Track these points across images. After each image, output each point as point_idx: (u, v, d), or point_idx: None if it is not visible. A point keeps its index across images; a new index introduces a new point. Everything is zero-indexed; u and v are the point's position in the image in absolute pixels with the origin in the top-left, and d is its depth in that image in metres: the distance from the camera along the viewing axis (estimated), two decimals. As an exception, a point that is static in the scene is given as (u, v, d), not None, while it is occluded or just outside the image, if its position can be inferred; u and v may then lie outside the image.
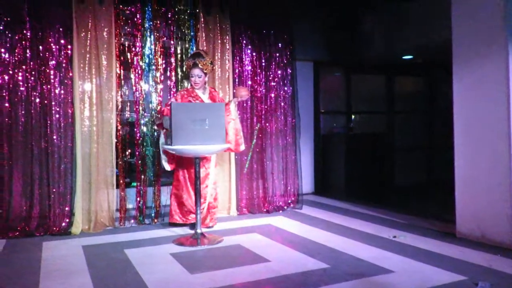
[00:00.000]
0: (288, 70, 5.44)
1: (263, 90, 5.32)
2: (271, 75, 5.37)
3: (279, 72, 5.40)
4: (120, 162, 4.55)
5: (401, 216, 4.92)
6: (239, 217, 5.02)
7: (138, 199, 4.63)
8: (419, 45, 5.95)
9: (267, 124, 5.37)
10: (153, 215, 4.70)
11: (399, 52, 6.58)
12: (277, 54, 5.39)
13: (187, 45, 4.93)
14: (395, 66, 7.44)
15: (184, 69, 4.83)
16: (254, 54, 5.27)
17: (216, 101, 4.44)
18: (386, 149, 7.24)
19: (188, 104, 4.15)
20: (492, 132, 3.69)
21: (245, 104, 5.18)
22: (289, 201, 5.46)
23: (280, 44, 5.40)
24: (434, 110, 7.86)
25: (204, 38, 4.97)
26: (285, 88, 5.45)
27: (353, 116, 7.43)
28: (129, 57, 4.64)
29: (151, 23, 4.68)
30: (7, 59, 4.15)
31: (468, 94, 3.91)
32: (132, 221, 4.60)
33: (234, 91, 4.67)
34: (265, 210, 5.21)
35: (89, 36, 4.39)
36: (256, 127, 5.27)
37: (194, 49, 4.85)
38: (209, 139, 3.80)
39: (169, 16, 4.83)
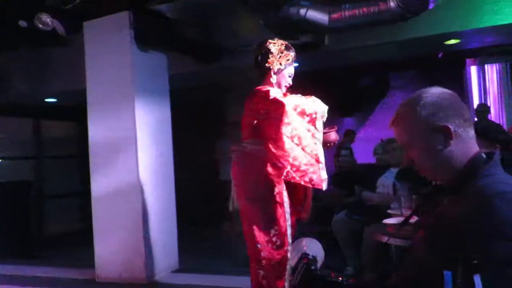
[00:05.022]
0: None
1: None
2: None
3: None
4: None
5: (46, 269, 4.54)
6: None
7: None
8: (65, 89, 5.84)
9: None
10: None
11: (43, 95, 6.26)
12: None
13: None
14: (43, 109, 7.04)
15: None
16: None
17: None
18: (35, 197, 6.62)
19: None
20: (124, 178, 3.93)
21: None
22: None
23: None
24: (87, 155, 7.82)
25: None
26: None
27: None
28: None
29: None
30: None
31: (103, 142, 4.05)
32: None
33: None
34: None
35: None
36: None
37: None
38: None
39: None
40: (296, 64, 2.74)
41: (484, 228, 1.00)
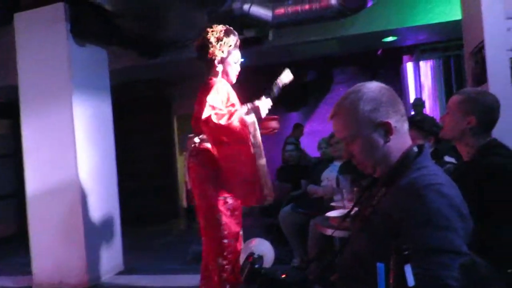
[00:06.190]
0: None
1: None
2: None
3: None
4: None
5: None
6: None
7: None
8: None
9: None
10: None
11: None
12: None
13: None
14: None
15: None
16: None
17: None
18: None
19: None
20: (62, 178, 3.75)
21: None
22: None
23: None
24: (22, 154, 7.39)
25: None
26: None
27: None
28: None
29: None
30: None
31: (38, 140, 3.84)
32: None
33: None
34: None
35: None
36: None
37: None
38: None
39: None
40: (242, 60, 2.69)
41: (415, 218, 1.04)
